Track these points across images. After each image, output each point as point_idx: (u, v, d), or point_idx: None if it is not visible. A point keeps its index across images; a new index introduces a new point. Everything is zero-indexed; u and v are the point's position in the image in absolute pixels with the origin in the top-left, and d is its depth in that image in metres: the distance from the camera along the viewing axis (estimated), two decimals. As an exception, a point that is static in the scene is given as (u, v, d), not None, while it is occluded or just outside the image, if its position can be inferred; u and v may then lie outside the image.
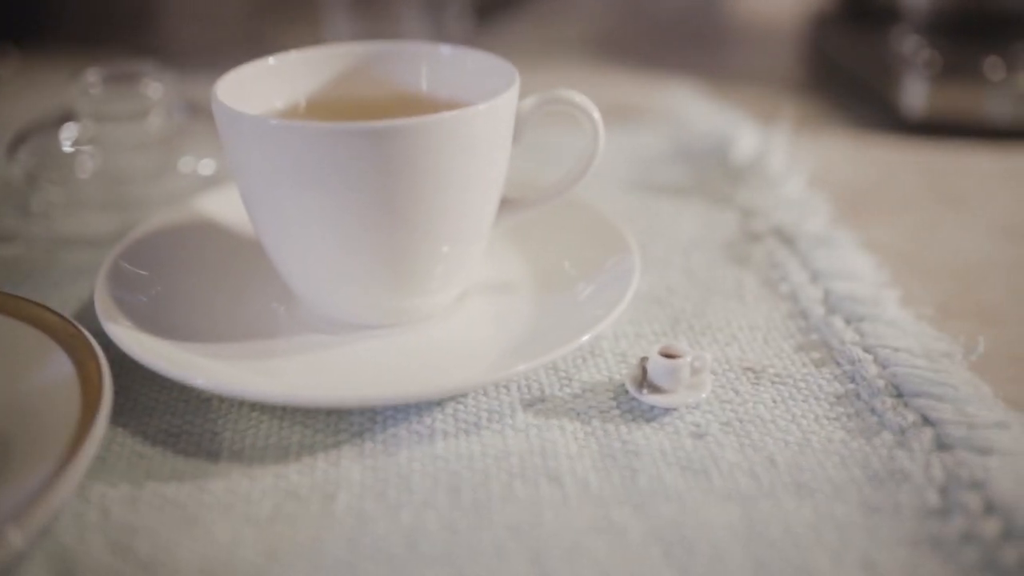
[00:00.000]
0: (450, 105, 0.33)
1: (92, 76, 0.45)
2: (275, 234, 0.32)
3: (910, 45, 0.56)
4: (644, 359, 0.32)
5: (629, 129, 0.55)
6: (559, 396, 0.31)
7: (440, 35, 0.67)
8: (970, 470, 0.27)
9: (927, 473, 0.27)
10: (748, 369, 0.33)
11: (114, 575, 0.25)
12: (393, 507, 0.27)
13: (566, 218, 0.39)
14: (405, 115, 0.29)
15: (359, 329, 0.33)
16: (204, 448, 0.29)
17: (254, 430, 0.30)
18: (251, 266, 0.37)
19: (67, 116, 0.46)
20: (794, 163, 0.49)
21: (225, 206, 0.40)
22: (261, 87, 0.35)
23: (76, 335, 0.30)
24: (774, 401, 0.31)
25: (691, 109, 0.58)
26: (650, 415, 0.31)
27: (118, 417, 0.31)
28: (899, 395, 0.31)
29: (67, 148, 0.45)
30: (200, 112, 0.47)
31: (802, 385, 0.32)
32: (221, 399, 0.32)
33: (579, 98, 0.34)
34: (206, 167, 0.45)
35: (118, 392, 0.31)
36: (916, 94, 0.54)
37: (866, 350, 0.33)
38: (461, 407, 0.31)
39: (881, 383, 0.31)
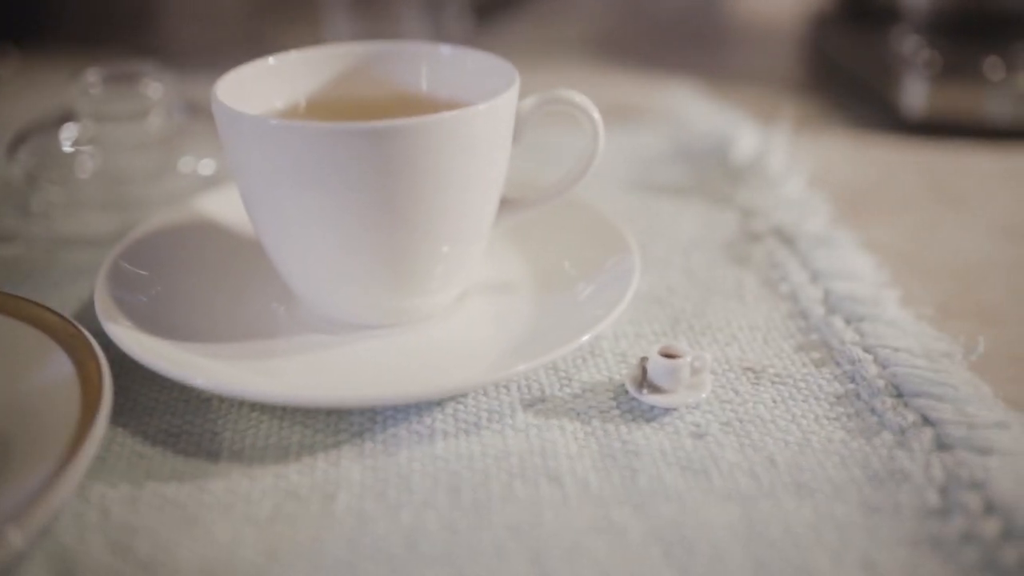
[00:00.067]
0: (450, 105, 0.33)
1: (92, 76, 0.45)
2: (275, 234, 0.32)
3: (910, 45, 0.56)
4: (644, 359, 0.32)
5: (629, 129, 0.55)
6: (559, 396, 0.31)
7: (440, 35, 0.67)
8: (970, 470, 0.27)
9: (927, 473, 0.27)
10: (748, 369, 0.33)
11: (114, 575, 0.25)
12: (393, 507, 0.27)
13: (566, 218, 0.39)
14: (405, 115, 0.29)
15: (359, 329, 0.33)
16: (204, 448, 0.29)
17: (254, 430, 0.30)
18: (251, 266, 0.37)
19: (67, 116, 0.46)
20: (794, 163, 0.49)
21: (225, 206, 0.40)
22: (261, 87, 0.35)
23: (76, 335, 0.30)
24: (774, 401, 0.31)
25: (691, 109, 0.58)
26: (650, 415, 0.31)
27: (118, 417, 0.31)
28: (899, 395, 0.31)
29: (67, 148, 0.45)
30: (200, 112, 0.47)
31: (802, 385, 0.32)
32: (221, 399, 0.32)
33: (579, 98, 0.34)
34: (206, 167, 0.45)
35: (118, 392, 0.31)
36: (916, 94, 0.54)
37: (866, 350, 0.33)
38: (461, 407, 0.31)
39: (881, 383, 0.31)
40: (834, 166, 0.51)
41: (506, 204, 0.36)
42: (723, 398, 0.31)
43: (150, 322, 0.32)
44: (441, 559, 0.25)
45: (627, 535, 0.26)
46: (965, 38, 0.55)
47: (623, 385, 0.32)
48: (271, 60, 0.35)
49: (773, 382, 0.32)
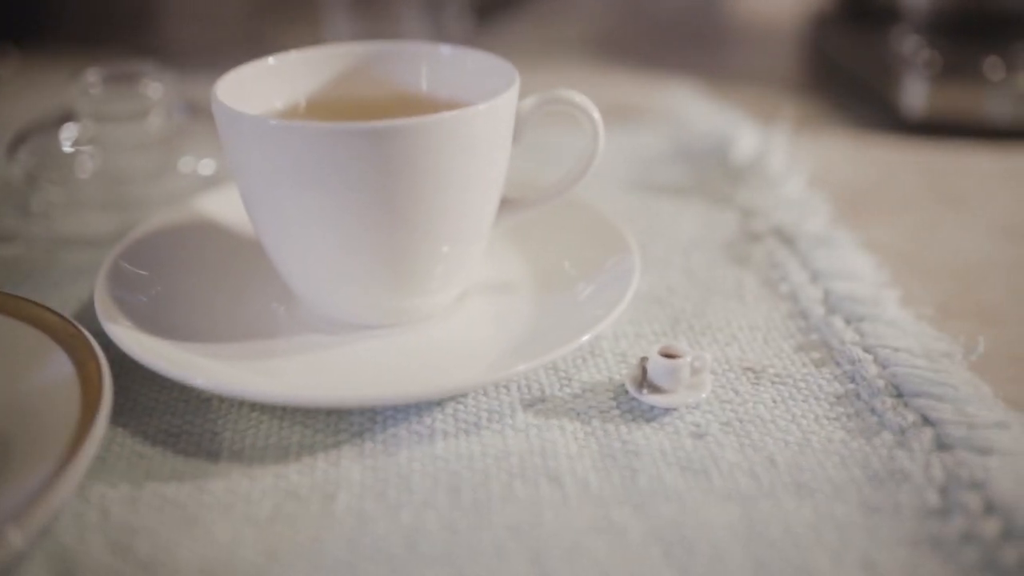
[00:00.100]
0: (450, 105, 0.33)
1: (92, 76, 0.45)
2: (275, 234, 0.32)
3: (910, 45, 0.56)
4: (644, 359, 0.32)
5: (629, 129, 0.55)
6: (559, 396, 0.31)
7: (440, 35, 0.67)
8: (970, 470, 0.27)
9: (927, 473, 0.27)
10: (748, 369, 0.33)
11: (114, 575, 0.25)
12: (393, 507, 0.27)
13: (566, 218, 0.39)
14: (405, 115, 0.29)
15: (359, 329, 0.33)
16: (204, 448, 0.29)
17: (254, 430, 0.30)
18: (251, 266, 0.37)
19: (67, 116, 0.46)
20: (794, 163, 0.49)
21: (225, 206, 0.40)
22: (261, 87, 0.35)
23: (76, 335, 0.30)
24: (774, 401, 0.31)
25: (691, 109, 0.58)
26: (650, 415, 0.31)
27: (118, 417, 0.31)
28: (899, 395, 0.31)
29: (67, 148, 0.45)
30: (200, 112, 0.47)
31: (802, 385, 0.32)
32: (221, 399, 0.32)
33: (579, 98, 0.34)
34: (206, 167, 0.45)
35: (118, 392, 0.31)
36: (916, 94, 0.54)
37: (866, 350, 0.33)
38: (461, 407, 0.31)
39: (881, 383, 0.31)
40: (834, 166, 0.51)
41: (506, 204, 0.36)
42: (723, 398, 0.31)
43: (150, 322, 0.32)
44: (441, 559, 0.25)
45: (627, 535, 0.26)
46: (965, 38, 0.55)
47: (623, 385, 0.32)
48: (271, 60, 0.36)
49: (773, 382, 0.32)
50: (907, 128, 0.55)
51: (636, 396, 0.31)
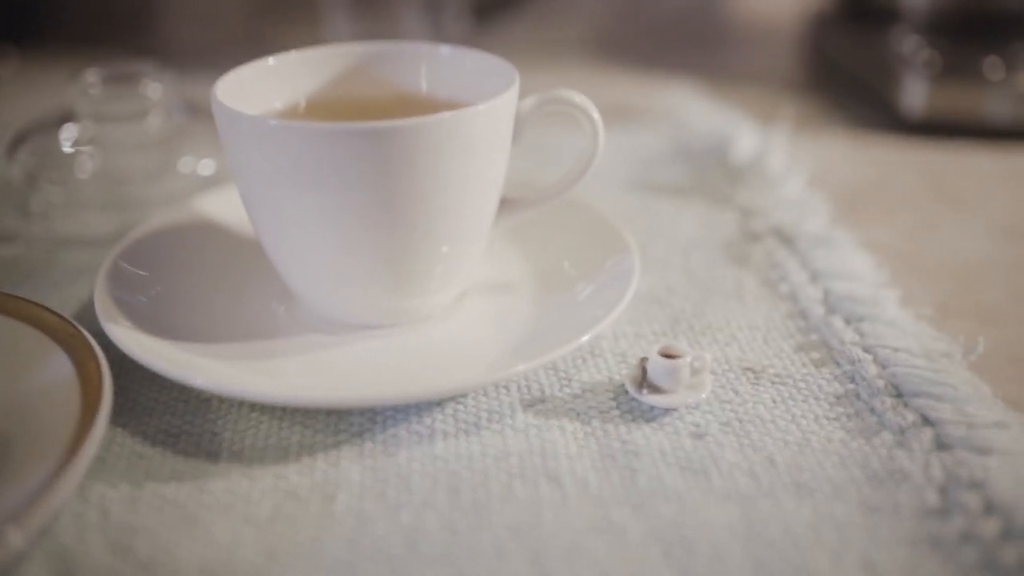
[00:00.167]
0: (450, 105, 0.33)
1: (92, 76, 0.45)
2: (275, 234, 0.32)
3: (910, 45, 0.56)
4: (644, 359, 0.32)
5: (629, 129, 0.55)
6: (559, 396, 0.32)
7: (440, 35, 0.67)
8: (970, 470, 0.27)
9: (927, 473, 0.27)
10: (748, 369, 0.33)
11: (114, 575, 0.25)
12: (393, 507, 0.27)
13: (566, 218, 0.39)
14: (405, 115, 0.29)
15: (359, 329, 0.34)
16: (204, 448, 0.29)
17: (254, 430, 0.30)
18: (251, 266, 0.37)
19: (67, 116, 0.46)
20: (794, 163, 0.49)
21: (225, 206, 0.40)
22: (261, 87, 0.35)
23: (76, 335, 0.30)
24: (774, 401, 0.31)
25: (691, 109, 0.58)
26: (650, 415, 0.31)
27: (118, 417, 0.31)
28: (899, 395, 0.31)
29: (67, 148, 0.45)
30: (200, 112, 0.47)
31: (802, 385, 0.32)
32: (221, 399, 0.32)
33: (579, 98, 0.34)
34: (206, 167, 0.45)
35: (118, 392, 0.31)
36: (916, 94, 0.54)
37: (866, 350, 0.33)
38: (461, 407, 0.31)
39: (881, 383, 0.31)
40: (834, 166, 0.51)
41: (506, 204, 0.36)
42: (723, 398, 0.31)
43: (150, 322, 0.32)
44: (441, 559, 0.25)
45: (627, 535, 0.26)
46: (965, 38, 0.55)
47: (623, 385, 0.32)
48: (271, 60, 0.36)
49: (773, 382, 0.32)
50: (907, 128, 0.55)
51: (636, 396, 0.31)
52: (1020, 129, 0.53)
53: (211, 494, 0.27)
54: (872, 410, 0.30)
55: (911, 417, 0.30)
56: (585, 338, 0.30)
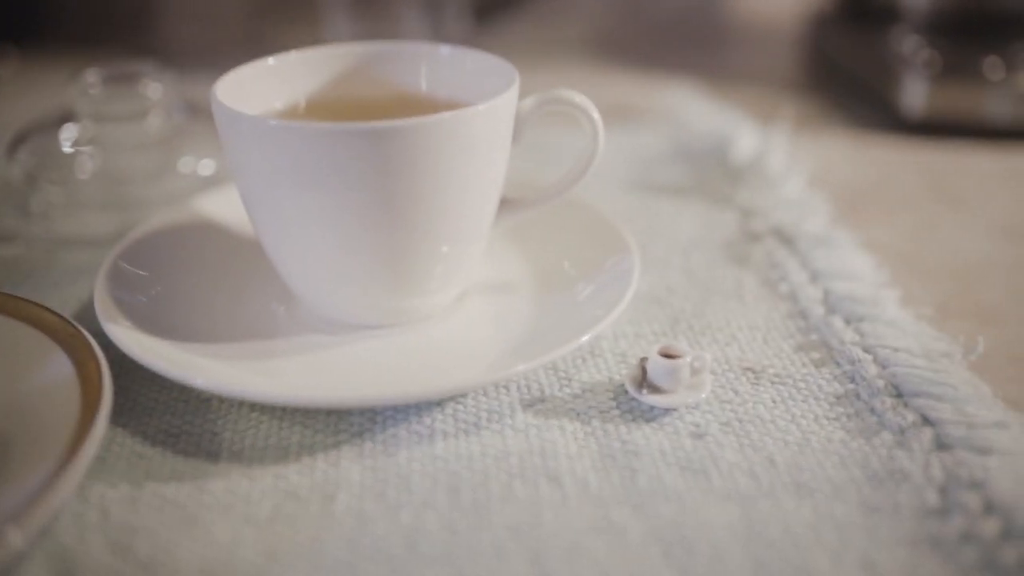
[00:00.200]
0: (450, 105, 0.33)
1: (92, 76, 0.45)
2: (275, 234, 0.32)
3: (910, 45, 0.56)
4: (644, 359, 0.32)
5: (629, 129, 0.55)
6: (559, 396, 0.31)
7: (440, 35, 0.67)
8: (969, 470, 0.27)
9: (927, 473, 0.27)
10: (748, 369, 0.33)
11: (114, 575, 0.25)
12: (393, 507, 0.27)
13: (566, 218, 0.39)
14: (405, 115, 0.29)
15: (359, 329, 0.34)
16: (204, 448, 0.29)
17: (254, 430, 0.30)
18: (251, 266, 0.37)
19: (67, 116, 0.46)
20: (794, 163, 0.49)
21: (225, 206, 0.40)
22: (261, 87, 0.35)
23: (76, 335, 0.30)
24: (774, 401, 0.31)
25: (691, 109, 0.58)
26: (650, 415, 0.31)
27: (118, 417, 0.31)
28: (899, 395, 0.31)
29: (67, 148, 0.45)
30: (200, 112, 0.47)
31: (802, 385, 0.32)
32: (221, 399, 0.32)
33: (579, 98, 0.34)
34: (206, 167, 0.45)
35: (118, 392, 0.31)
36: (916, 94, 0.54)
37: (866, 350, 0.33)
38: (461, 407, 0.31)
39: (881, 383, 0.31)
40: (834, 166, 0.51)
41: (506, 204, 0.36)
42: (723, 398, 0.31)
43: (150, 322, 0.32)
44: (441, 559, 0.25)
45: (627, 535, 0.26)
46: (965, 38, 0.55)
47: (623, 385, 0.32)
48: (271, 60, 0.36)
49: (773, 382, 0.32)
50: (907, 128, 0.55)
51: (636, 396, 0.31)
52: (1020, 129, 0.53)
53: (211, 494, 0.27)
54: (872, 410, 0.30)
55: (911, 417, 0.30)
56: (585, 338, 0.30)
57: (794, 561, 0.25)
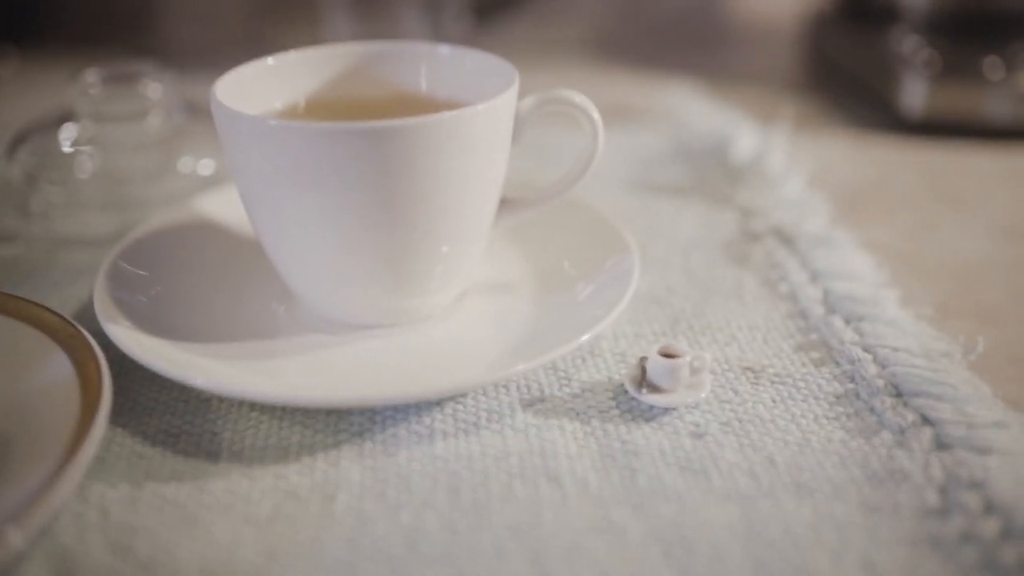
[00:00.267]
0: (449, 105, 0.33)
1: (92, 76, 0.45)
2: (275, 234, 0.32)
3: (910, 45, 0.56)
4: (643, 359, 0.32)
5: (629, 129, 0.55)
6: (558, 396, 0.32)
7: (439, 35, 0.67)
8: (969, 470, 0.27)
9: (926, 473, 0.27)
10: (747, 369, 0.33)
11: (114, 575, 0.25)
12: (393, 507, 0.27)
13: (566, 218, 0.39)
14: (404, 115, 0.29)
15: (359, 329, 0.34)
16: (204, 448, 0.29)
17: (254, 430, 0.30)
18: (251, 266, 0.37)
19: (67, 116, 0.46)
20: (794, 163, 0.49)
21: (225, 206, 0.40)
22: (260, 87, 0.35)
23: (76, 335, 0.30)
24: (773, 401, 0.31)
25: (691, 109, 0.58)
26: (649, 415, 0.31)
27: (118, 417, 0.31)
28: (898, 395, 0.31)
29: (67, 148, 0.45)
30: (200, 112, 0.47)
31: (801, 385, 0.32)
32: (221, 399, 0.32)
33: (579, 98, 0.34)
34: (205, 167, 0.45)
35: (118, 392, 0.31)
36: (916, 94, 0.54)
37: (865, 350, 0.33)
38: (460, 407, 0.31)
39: (880, 383, 0.31)
40: (834, 166, 0.51)
41: (506, 204, 0.36)
42: (722, 398, 0.31)
43: (150, 322, 0.32)
44: (441, 559, 0.25)
45: (627, 535, 0.26)
46: (965, 38, 0.55)
47: (622, 385, 0.32)
48: (270, 60, 0.36)
49: (772, 382, 0.32)
50: (907, 128, 0.55)
51: (635, 396, 0.31)
52: (1020, 129, 0.53)
53: (211, 494, 0.27)
54: (872, 410, 0.30)
55: (911, 417, 0.30)
56: (585, 338, 0.30)
57: (794, 561, 0.25)
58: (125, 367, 0.32)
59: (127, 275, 0.35)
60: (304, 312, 0.35)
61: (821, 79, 0.67)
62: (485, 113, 0.30)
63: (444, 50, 0.37)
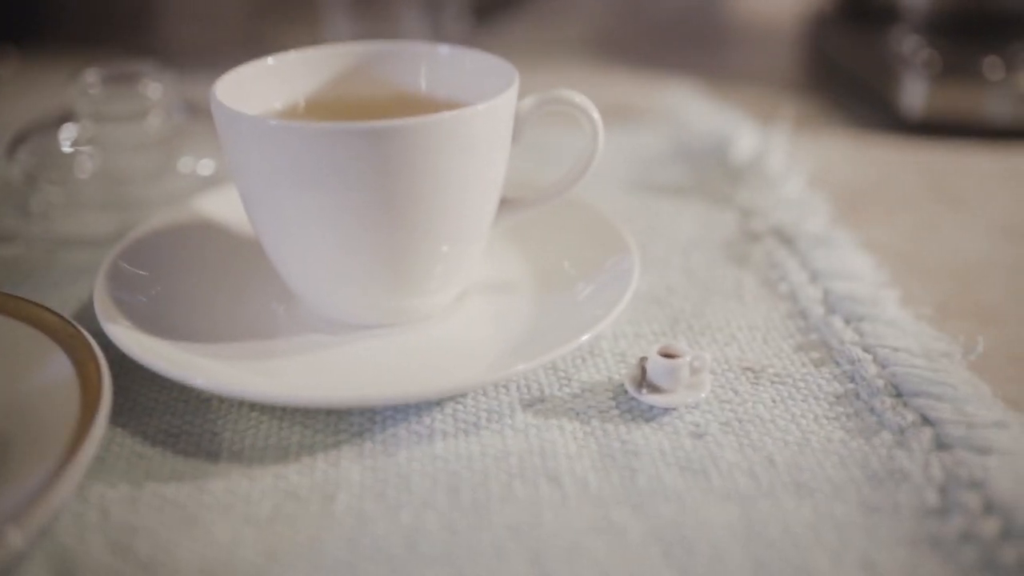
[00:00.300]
0: (449, 105, 0.33)
1: (92, 76, 0.45)
2: (275, 234, 0.32)
3: (910, 45, 0.56)
4: (643, 359, 0.32)
5: (629, 129, 0.55)
6: (558, 396, 0.32)
7: (439, 35, 0.67)
8: (969, 470, 0.27)
9: (926, 473, 0.27)
10: (747, 369, 0.33)
11: (114, 575, 0.25)
12: (393, 507, 0.27)
13: (566, 218, 0.39)
14: (404, 115, 0.29)
15: (359, 329, 0.34)
16: (204, 448, 0.29)
17: (254, 430, 0.30)
18: (251, 266, 0.37)
19: (67, 116, 0.46)
20: (794, 163, 0.49)
21: (225, 206, 0.40)
22: (260, 87, 0.35)
23: (76, 335, 0.30)
24: (773, 401, 0.31)
25: (691, 109, 0.58)
26: (649, 415, 0.31)
27: (118, 417, 0.31)
28: (898, 395, 0.31)
29: (67, 148, 0.45)
30: (199, 112, 0.47)
31: (801, 385, 0.32)
32: (221, 399, 0.32)
33: (579, 98, 0.34)
34: (205, 167, 0.45)
35: (118, 392, 0.31)
36: (916, 94, 0.54)
37: (865, 350, 0.33)
38: (460, 407, 0.31)
39: (880, 383, 0.31)
40: (834, 166, 0.51)
41: (506, 204, 0.36)
42: (722, 398, 0.31)
43: (150, 322, 0.32)
44: (441, 559, 0.25)
45: (627, 535, 0.26)
46: (965, 38, 0.55)
47: (622, 385, 0.32)
48: (270, 60, 0.36)
49: (772, 382, 0.32)
50: (907, 128, 0.55)
51: (635, 396, 0.31)
52: (1020, 129, 0.53)
53: (211, 494, 0.27)
54: (872, 410, 0.30)
55: (911, 417, 0.30)
56: (585, 338, 0.30)
57: (794, 561, 0.25)
58: (125, 367, 0.32)
59: (127, 275, 0.35)
60: (304, 312, 0.35)
61: (821, 79, 0.67)
62: (485, 113, 0.30)
63: (444, 50, 0.37)
